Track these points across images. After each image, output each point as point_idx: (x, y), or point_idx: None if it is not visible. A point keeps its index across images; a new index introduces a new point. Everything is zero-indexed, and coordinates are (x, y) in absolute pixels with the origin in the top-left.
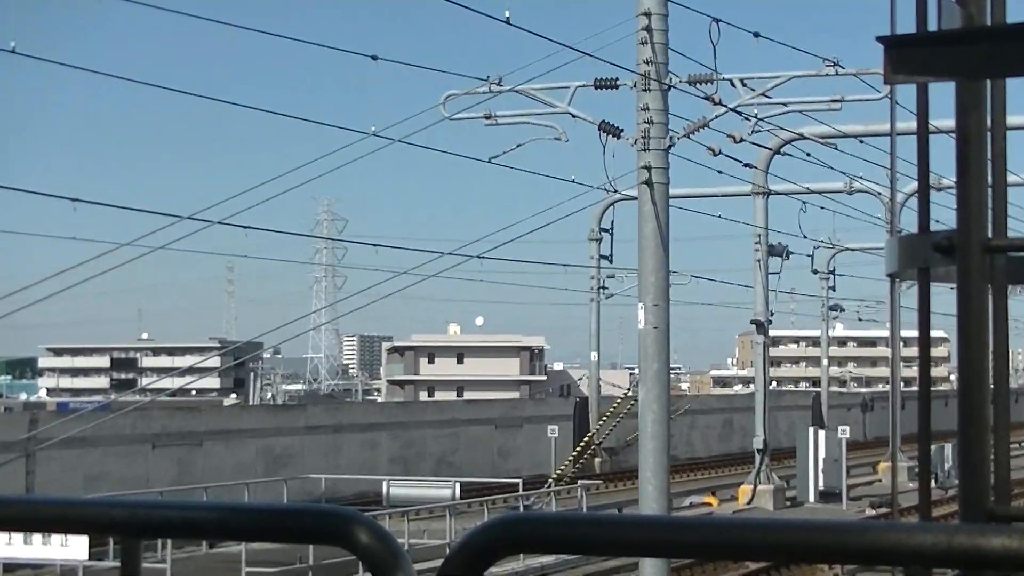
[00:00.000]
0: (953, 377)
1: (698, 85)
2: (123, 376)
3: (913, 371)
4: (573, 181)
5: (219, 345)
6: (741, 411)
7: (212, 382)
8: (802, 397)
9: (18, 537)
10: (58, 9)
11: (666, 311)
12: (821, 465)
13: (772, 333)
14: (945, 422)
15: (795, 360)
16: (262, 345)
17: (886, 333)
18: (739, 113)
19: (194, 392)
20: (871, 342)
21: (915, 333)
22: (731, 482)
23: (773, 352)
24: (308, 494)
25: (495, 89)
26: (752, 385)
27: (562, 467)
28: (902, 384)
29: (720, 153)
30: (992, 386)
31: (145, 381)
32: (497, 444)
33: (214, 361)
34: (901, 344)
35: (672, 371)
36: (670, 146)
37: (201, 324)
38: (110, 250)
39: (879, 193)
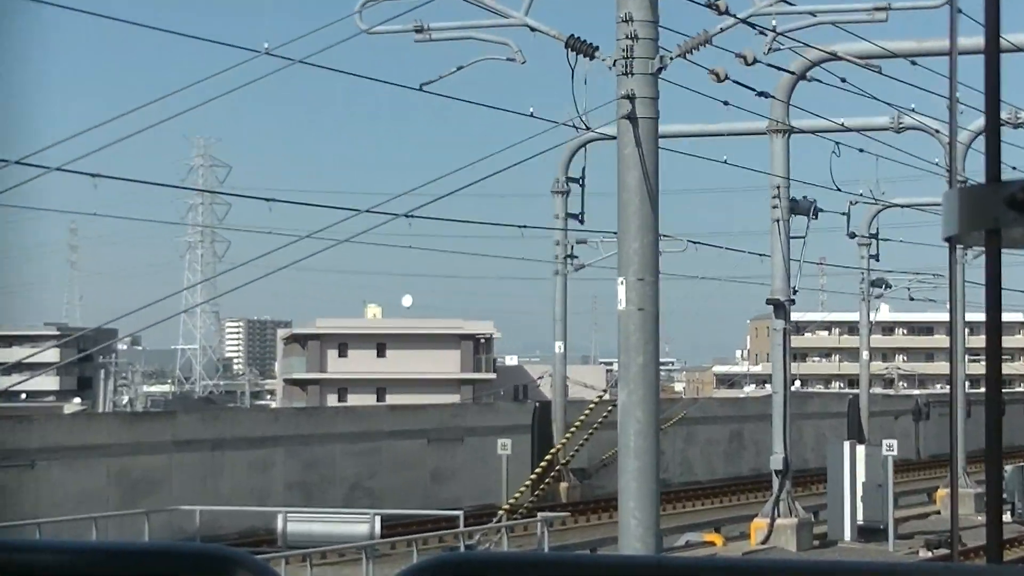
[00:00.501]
0: None
1: None
2: None
3: (982, 367)
4: (531, 115)
5: (57, 333)
6: (754, 420)
7: (48, 382)
8: (835, 401)
9: None
10: None
11: (654, 288)
12: (860, 492)
13: (795, 317)
14: None
15: (826, 353)
16: (116, 333)
17: (946, 317)
18: (752, 26)
19: (24, 395)
20: (926, 329)
21: (983, 316)
22: (741, 514)
23: (797, 342)
24: (178, 531)
25: None
26: (768, 386)
27: (517, 495)
28: (967, 384)
29: (727, 79)
30: None
31: None
32: (431, 464)
33: (51, 354)
34: (966, 331)
35: (663, 367)
36: (660, 69)
37: (33, 305)
38: None
39: (936, 131)
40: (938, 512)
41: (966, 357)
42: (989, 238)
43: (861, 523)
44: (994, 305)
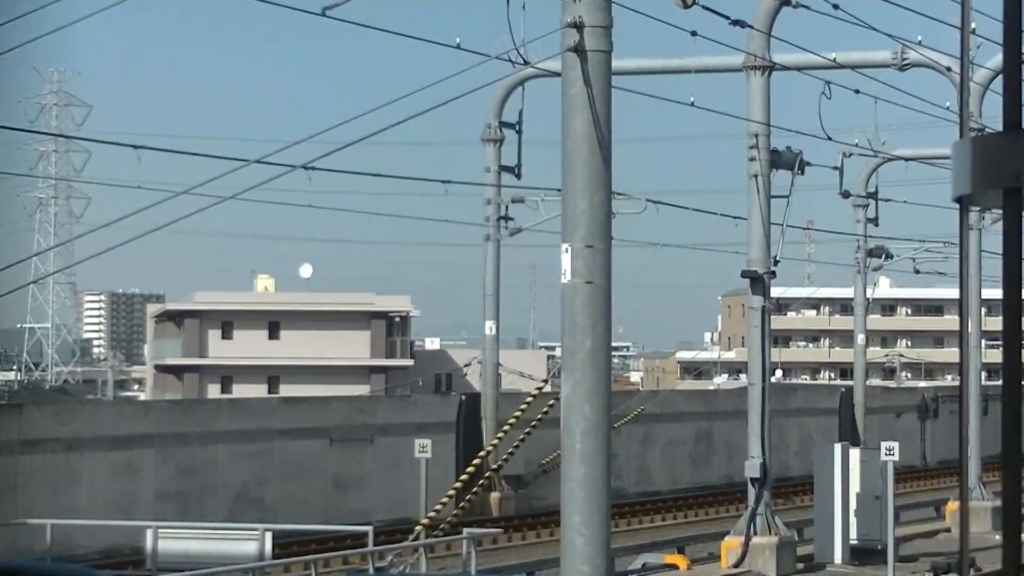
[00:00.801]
0: None
1: None
2: None
3: (1000, 353)
4: (457, 47)
5: None
6: (726, 417)
7: None
8: (824, 395)
9: None
10: None
11: (606, 256)
12: (854, 505)
13: (776, 293)
14: None
15: (813, 336)
16: None
17: (957, 293)
18: None
19: None
20: (935, 308)
21: (1000, 293)
22: (710, 531)
23: (779, 323)
24: (24, 549)
25: None
26: (743, 376)
27: (438, 507)
28: (983, 375)
29: (695, 4)
30: None
31: None
32: (334, 469)
33: None
34: (982, 310)
35: (616, 353)
36: None
37: None
38: None
39: (947, 69)
40: (948, 530)
41: (981, 342)
42: (1008, 198)
43: (855, 542)
44: (1013, 279)
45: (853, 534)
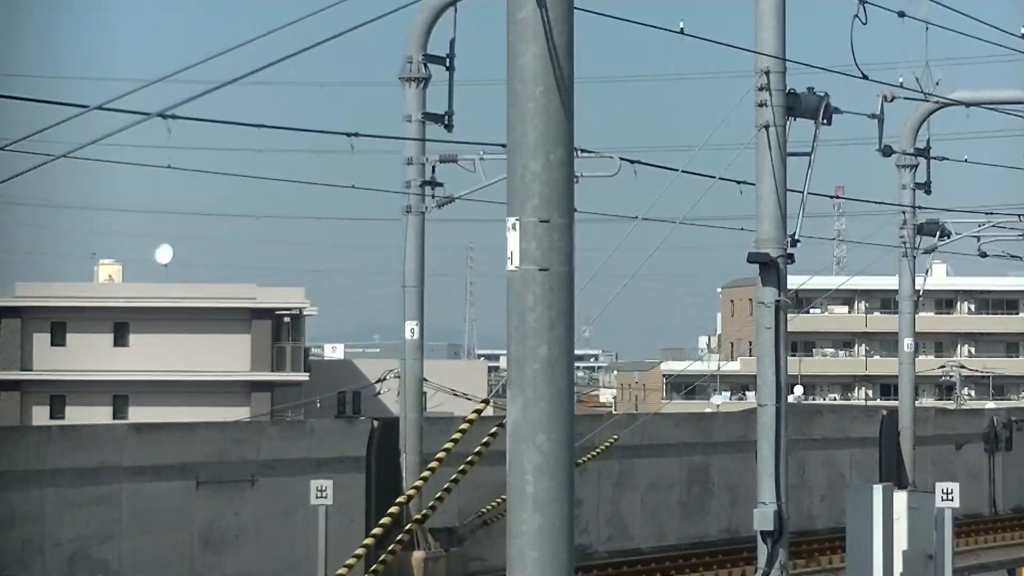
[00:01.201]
0: None
1: None
2: None
3: None
4: None
5: None
6: (727, 450)
7: None
8: (860, 420)
9: None
10: None
11: (567, 235)
12: (900, 567)
13: (796, 283)
14: None
15: (845, 341)
16: None
17: None
18: None
19: None
20: (1007, 302)
21: None
22: None
23: (798, 323)
24: None
25: None
26: (751, 394)
27: (343, 571)
28: None
29: None
30: None
31: None
32: (202, 520)
33: None
34: None
35: (583, 364)
36: None
37: None
38: None
39: None
40: None
41: None
42: None
43: None
44: None
45: None
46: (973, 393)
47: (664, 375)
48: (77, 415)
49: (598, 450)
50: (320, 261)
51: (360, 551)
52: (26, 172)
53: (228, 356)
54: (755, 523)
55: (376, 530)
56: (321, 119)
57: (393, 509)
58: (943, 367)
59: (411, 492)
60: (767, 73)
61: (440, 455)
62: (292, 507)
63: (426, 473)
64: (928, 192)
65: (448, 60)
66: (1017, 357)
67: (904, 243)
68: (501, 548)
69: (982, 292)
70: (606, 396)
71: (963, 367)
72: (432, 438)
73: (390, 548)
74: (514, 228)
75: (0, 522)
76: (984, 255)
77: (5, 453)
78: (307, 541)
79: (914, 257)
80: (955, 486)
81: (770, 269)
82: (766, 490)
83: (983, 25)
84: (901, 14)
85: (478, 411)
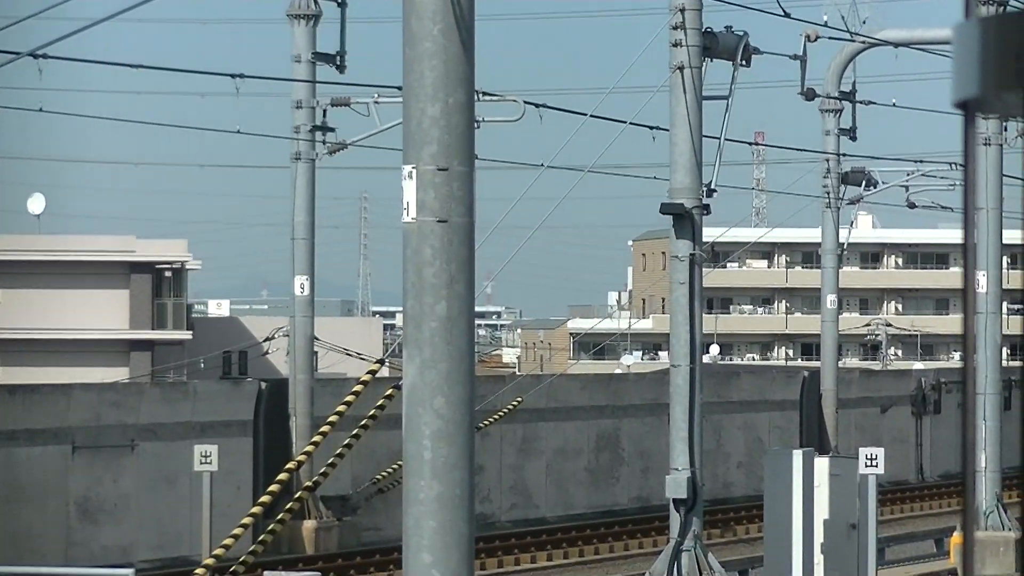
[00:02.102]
0: None
1: None
2: None
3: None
4: None
5: None
6: (639, 413)
7: None
8: (780, 382)
9: None
10: None
11: (468, 184)
12: (820, 537)
13: (713, 235)
14: None
15: (764, 297)
16: None
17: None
18: None
19: None
20: (938, 257)
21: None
22: (617, 575)
23: (715, 279)
24: None
25: None
26: (664, 354)
27: (228, 541)
28: (1004, 352)
29: None
30: None
31: None
32: (77, 489)
33: None
34: (1003, 260)
35: (484, 322)
36: None
37: None
38: None
39: None
40: (953, 572)
41: (1001, 304)
42: None
43: None
44: None
45: None
46: (900, 353)
47: (571, 334)
48: None
49: (500, 413)
50: (203, 212)
51: (247, 520)
52: None
53: (105, 313)
54: (667, 491)
55: (264, 498)
56: (204, 59)
57: (282, 476)
58: (868, 325)
59: (301, 458)
60: (682, 11)
61: (332, 419)
62: (175, 474)
63: (317, 438)
64: (854, 139)
65: None
66: (947, 315)
67: (828, 193)
68: (397, 517)
69: (910, 245)
70: (509, 356)
71: (890, 325)
72: (323, 401)
73: (279, 517)
74: (410, 176)
75: None
76: (913, 206)
77: None
78: (191, 510)
79: (838, 208)
80: (880, 451)
81: (684, 221)
82: (679, 456)
83: None
84: None
85: (372, 372)
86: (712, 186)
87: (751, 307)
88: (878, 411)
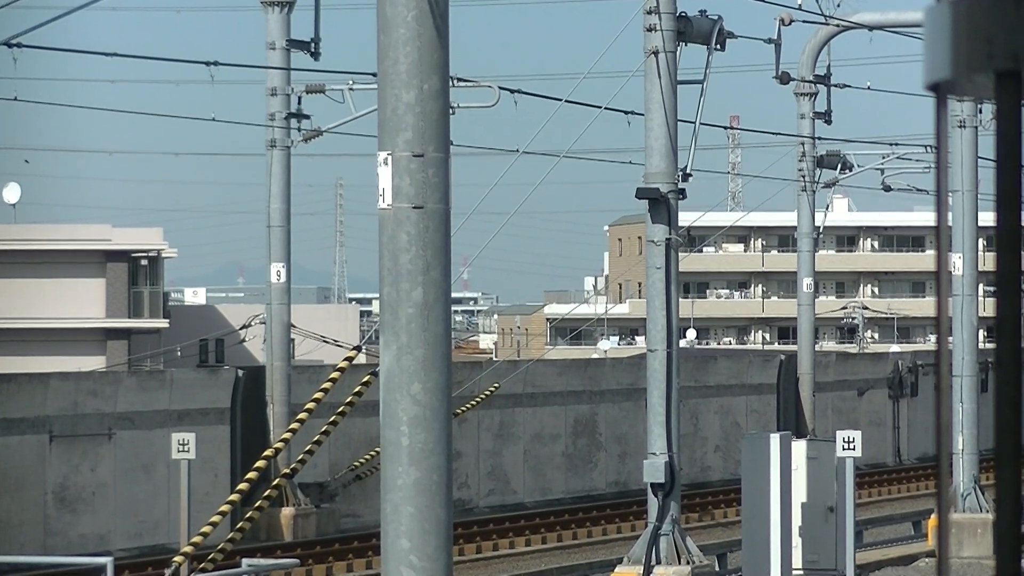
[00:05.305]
0: None
1: None
2: None
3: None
4: None
5: None
6: (616, 399)
7: None
8: (756, 366)
9: None
10: None
11: (443, 170)
12: (798, 520)
13: (688, 220)
14: None
15: (741, 281)
16: None
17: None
18: None
19: None
20: (914, 240)
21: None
22: (594, 560)
23: (691, 263)
24: None
25: None
26: (640, 339)
27: (206, 529)
28: (980, 334)
29: None
30: None
31: None
32: (55, 478)
33: None
34: (979, 242)
35: (460, 308)
36: None
37: None
38: None
39: None
40: (931, 553)
41: (978, 287)
42: (1003, 85)
43: (799, 572)
44: (1011, 196)
45: (797, 561)
46: (877, 336)
47: (548, 319)
48: None
49: (478, 399)
50: (179, 200)
51: (225, 508)
52: None
53: (81, 302)
54: (645, 475)
55: (242, 486)
56: (178, 47)
57: (260, 464)
58: (845, 308)
59: (279, 445)
60: None
61: (309, 406)
62: (152, 462)
63: (295, 425)
64: (828, 122)
65: None
66: (923, 297)
67: (803, 177)
68: (375, 504)
69: (886, 228)
70: (486, 342)
71: (866, 308)
72: (301, 388)
73: (257, 505)
74: (386, 163)
75: None
76: (888, 189)
77: None
78: (169, 498)
79: (814, 192)
80: (857, 434)
81: (660, 205)
82: (656, 440)
83: None
84: None
85: (349, 359)
86: (688, 170)
87: (727, 291)
88: (855, 394)
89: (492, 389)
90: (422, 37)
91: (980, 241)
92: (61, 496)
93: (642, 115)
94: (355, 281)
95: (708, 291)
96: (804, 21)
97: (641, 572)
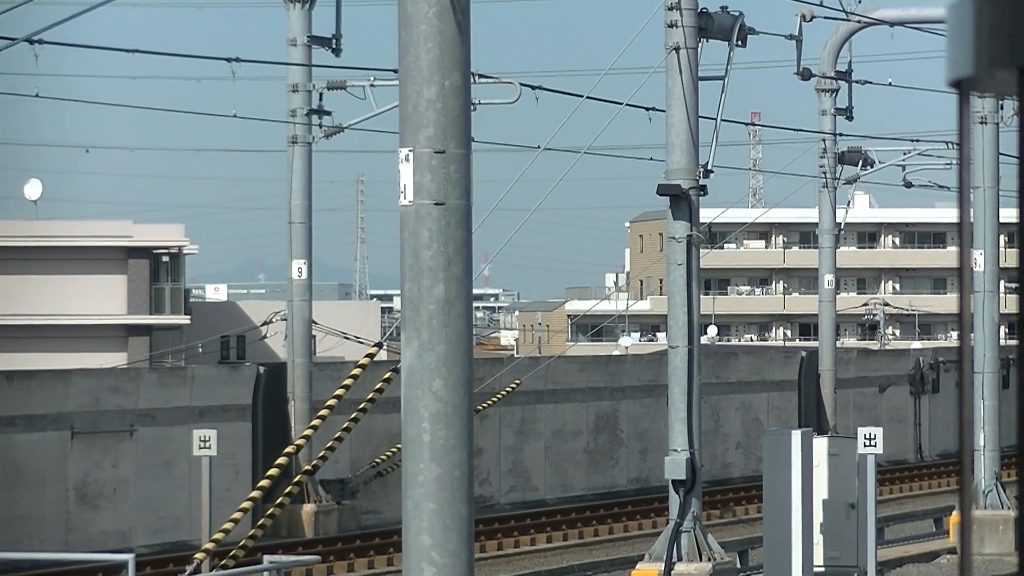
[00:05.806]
0: None
1: None
2: None
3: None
4: None
5: None
6: (637, 395)
7: None
8: (778, 362)
9: None
10: None
11: (464, 166)
12: (820, 517)
13: (710, 216)
14: None
15: (762, 278)
16: None
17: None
18: None
19: None
20: (935, 236)
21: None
22: (615, 557)
23: (712, 260)
24: None
25: None
26: (661, 335)
27: (227, 526)
28: (1002, 330)
29: None
30: None
31: None
32: (76, 475)
33: None
34: (1001, 238)
35: (482, 304)
36: None
37: None
38: None
39: None
40: (952, 550)
41: (999, 283)
42: None
43: (820, 569)
44: None
45: (819, 558)
46: (898, 332)
47: (569, 315)
48: None
49: (499, 396)
50: (200, 196)
51: (246, 504)
52: None
53: (102, 298)
54: (666, 472)
55: (263, 482)
56: (200, 43)
57: (281, 460)
58: (866, 305)
59: (300, 442)
60: None
61: (331, 402)
62: (174, 459)
63: (316, 422)
64: (850, 118)
65: None
66: (945, 294)
67: (824, 173)
68: (396, 500)
69: (907, 225)
70: (507, 338)
71: (887, 305)
72: (322, 384)
73: (278, 501)
74: (407, 159)
75: None
76: (909, 185)
77: None
78: (190, 494)
79: (835, 188)
80: (878, 431)
81: (681, 202)
82: (678, 437)
83: None
84: None
85: (371, 355)
86: (709, 167)
87: (749, 288)
88: (876, 391)
89: (513, 386)
90: (443, 33)
91: (1002, 237)
92: (82, 493)
93: (663, 111)
94: (376, 278)
95: (729, 287)
96: (825, 17)
97: (662, 569)
